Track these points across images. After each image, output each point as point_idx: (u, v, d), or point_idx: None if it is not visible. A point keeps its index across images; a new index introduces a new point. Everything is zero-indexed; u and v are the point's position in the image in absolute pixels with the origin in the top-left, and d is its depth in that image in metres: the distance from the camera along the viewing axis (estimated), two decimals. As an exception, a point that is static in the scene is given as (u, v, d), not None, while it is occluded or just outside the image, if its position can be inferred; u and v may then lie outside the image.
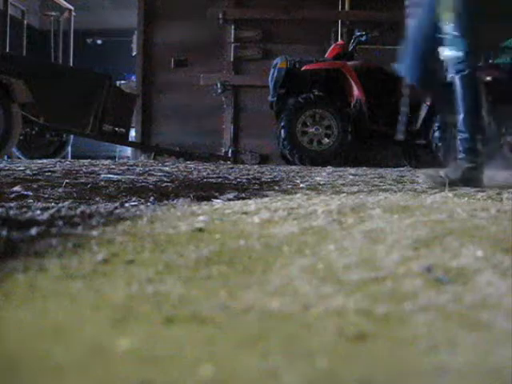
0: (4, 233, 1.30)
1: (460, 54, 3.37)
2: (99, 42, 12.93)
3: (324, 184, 3.25)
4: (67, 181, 2.81)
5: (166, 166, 5.24)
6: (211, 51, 8.23)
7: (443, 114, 4.07)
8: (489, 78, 5.63)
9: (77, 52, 8.71)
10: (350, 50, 6.94)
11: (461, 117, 3.36)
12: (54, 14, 8.66)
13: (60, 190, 2.42)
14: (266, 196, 2.37)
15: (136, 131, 8.43)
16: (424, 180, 3.35)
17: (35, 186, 2.56)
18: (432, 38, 3.41)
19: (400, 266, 1.14)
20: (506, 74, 6.33)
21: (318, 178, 3.86)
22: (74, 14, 8.53)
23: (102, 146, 9.37)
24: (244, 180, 3.52)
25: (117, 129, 6.96)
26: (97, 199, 2.13)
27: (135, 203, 2.00)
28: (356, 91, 6.66)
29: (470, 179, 3.22)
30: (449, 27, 3.35)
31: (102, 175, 3.41)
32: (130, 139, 7.93)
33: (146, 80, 8.37)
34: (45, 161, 5.46)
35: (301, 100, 6.60)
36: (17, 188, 2.40)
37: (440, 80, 3.66)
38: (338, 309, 0.89)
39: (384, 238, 1.35)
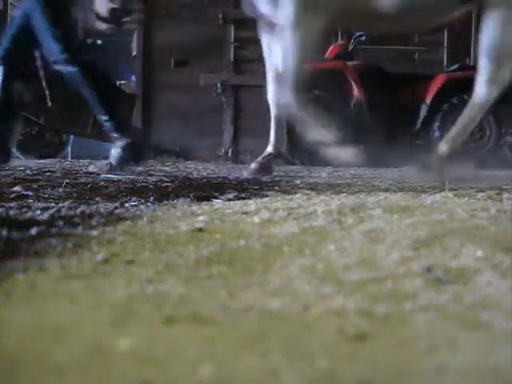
0: (4, 233, 1.30)
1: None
2: (99, 42, 12.91)
3: (324, 184, 3.25)
4: (67, 181, 2.80)
5: (166, 166, 5.24)
6: (211, 51, 8.23)
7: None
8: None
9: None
10: (349, 49, 6.94)
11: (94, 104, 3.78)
12: (53, 13, 8.63)
13: (60, 189, 2.42)
14: (266, 196, 2.37)
15: (136, 131, 8.42)
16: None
17: (35, 185, 2.56)
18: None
19: (400, 266, 1.14)
20: None
21: (317, 178, 3.86)
22: (73, 13, 8.51)
23: (102, 145, 9.37)
24: (244, 180, 3.52)
25: (117, 129, 6.95)
26: (97, 199, 2.13)
27: (135, 203, 2.00)
28: (356, 91, 6.67)
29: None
30: None
31: (102, 175, 3.41)
32: (129, 139, 7.91)
33: (146, 80, 8.37)
34: (45, 161, 5.46)
35: (301, 100, 6.59)
36: (17, 188, 2.40)
37: None
38: (338, 309, 0.89)
39: (384, 238, 1.35)
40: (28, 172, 3.57)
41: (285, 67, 3.86)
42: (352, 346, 0.75)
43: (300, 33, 3.69)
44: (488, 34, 3.63)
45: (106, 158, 4.26)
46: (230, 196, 2.39)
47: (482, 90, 3.70)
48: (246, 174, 4.04)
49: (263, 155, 4.22)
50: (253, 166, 4.17)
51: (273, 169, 4.29)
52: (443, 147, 3.77)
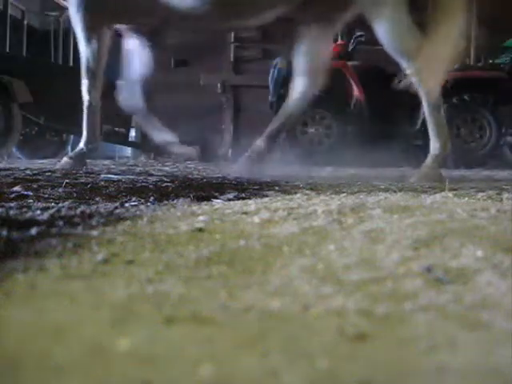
0: (4, 233, 1.30)
1: None
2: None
3: (324, 184, 3.25)
4: (67, 181, 2.80)
5: (166, 165, 5.24)
6: (211, 51, 8.24)
7: None
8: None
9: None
10: (349, 50, 6.94)
11: None
12: (54, 14, 8.65)
13: (60, 190, 2.42)
14: (266, 196, 2.37)
15: (136, 131, 8.44)
16: None
17: (35, 186, 2.56)
18: None
19: (400, 265, 1.14)
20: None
21: (317, 178, 3.86)
22: (73, 13, 8.51)
23: (102, 145, 9.37)
24: (244, 180, 3.52)
25: (117, 129, 6.96)
26: (97, 199, 2.13)
27: (135, 203, 2.00)
28: (356, 91, 6.67)
29: None
30: None
31: (102, 175, 3.41)
32: (130, 139, 7.93)
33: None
34: (45, 161, 5.46)
35: (301, 100, 6.59)
36: (17, 188, 2.40)
37: None
38: (338, 309, 0.89)
39: (384, 238, 1.35)
40: (28, 172, 3.57)
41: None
42: (352, 345, 0.75)
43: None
44: (381, 32, 3.71)
45: (106, 158, 4.27)
46: (230, 196, 2.39)
47: (420, 85, 3.80)
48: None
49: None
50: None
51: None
52: (434, 148, 3.85)
